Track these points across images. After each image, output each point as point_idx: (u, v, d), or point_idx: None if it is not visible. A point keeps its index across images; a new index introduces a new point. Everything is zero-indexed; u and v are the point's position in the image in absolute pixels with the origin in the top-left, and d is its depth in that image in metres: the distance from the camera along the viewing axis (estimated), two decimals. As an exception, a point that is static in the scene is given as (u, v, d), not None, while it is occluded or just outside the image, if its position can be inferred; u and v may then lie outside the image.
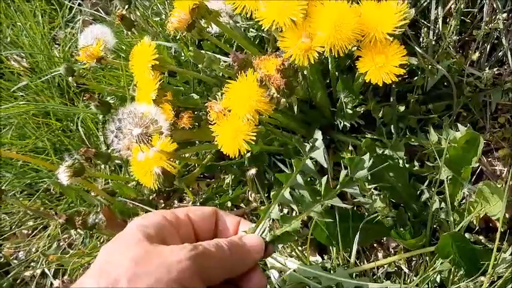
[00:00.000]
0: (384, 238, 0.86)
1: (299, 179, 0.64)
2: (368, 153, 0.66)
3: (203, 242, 0.47)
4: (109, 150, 0.97)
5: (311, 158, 0.66)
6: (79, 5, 1.36)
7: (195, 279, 0.44)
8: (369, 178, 0.76)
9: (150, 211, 0.87)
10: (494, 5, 0.86)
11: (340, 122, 0.87)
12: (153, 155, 0.73)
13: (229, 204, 0.95)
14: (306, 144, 0.67)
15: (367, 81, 0.72)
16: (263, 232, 0.55)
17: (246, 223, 0.55)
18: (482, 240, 0.74)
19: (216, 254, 0.46)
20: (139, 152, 0.71)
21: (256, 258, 0.52)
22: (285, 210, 0.91)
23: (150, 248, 0.44)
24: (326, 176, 0.64)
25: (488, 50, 0.90)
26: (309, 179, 0.83)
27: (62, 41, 1.32)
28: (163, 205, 1.03)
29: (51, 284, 1.02)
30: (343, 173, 0.64)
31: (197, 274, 0.44)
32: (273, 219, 0.58)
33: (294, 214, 0.87)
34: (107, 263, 0.44)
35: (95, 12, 1.29)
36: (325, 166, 0.67)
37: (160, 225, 0.48)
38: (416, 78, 0.88)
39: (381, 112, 0.86)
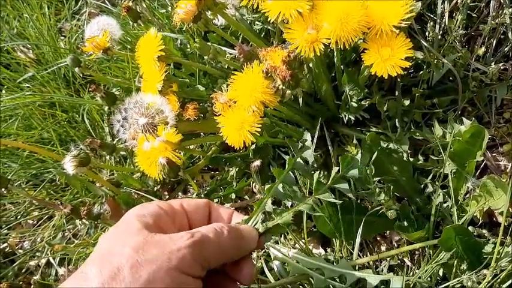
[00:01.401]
0: (387, 231, 0.87)
1: (291, 175, 0.66)
2: (360, 153, 0.68)
3: (201, 228, 0.49)
4: (114, 141, 0.98)
5: (301, 157, 0.69)
6: (85, -4, 1.37)
7: (195, 266, 0.45)
8: (373, 171, 0.76)
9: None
10: (501, 0, 0.86)
11: (345, 115, 0.87)
12: (158, 145, 0.73)
13: (233, 196, 0.96)
14: (296, 144, 0.70)
15: (372, 73, 0.72)
16: (255, 224, 0.57)
17: (239, 215, 0.57)
18: (486, 234, 0.74)
19: (215, 240, 0.48)
20: (145, 141, 0.72)
21: (251, 246, 0.54)
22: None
23: (149, 237, 0.45)
24: (317, 172, 0.66)
25: (494, 45, 0.90)
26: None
27: (68, 33, 1.33)
28: (167, 197, 1.04)
29: (56, 272, 1.03)
30: (334, 169, 0.66)
31: (196, 261, 0.45)
32: (265, 213, 0.59)
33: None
34: (108, 251, 0.44)
35: (101, 4, 1.29)
36: (310, 163, 0.70)
37: (157, 214, 0.49)
38: (421, 72, 0.88)
39: (386, 106, 0.86)
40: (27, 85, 1.26)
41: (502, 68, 0.88)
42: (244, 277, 0.52)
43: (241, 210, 0.96)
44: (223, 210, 0.56)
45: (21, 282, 1.04)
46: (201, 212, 0.54)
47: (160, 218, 0.49)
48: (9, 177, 1.11)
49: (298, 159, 0.68)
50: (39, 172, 1.16)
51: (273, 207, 0.60)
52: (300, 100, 0.75)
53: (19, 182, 1.17)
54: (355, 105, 0.84)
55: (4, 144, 1.15)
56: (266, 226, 0.57)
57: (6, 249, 1.13)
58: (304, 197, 0.63)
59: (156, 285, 0.42)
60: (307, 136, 0.73)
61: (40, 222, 1.14)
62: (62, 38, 1.36)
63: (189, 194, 1.04)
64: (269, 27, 0.96)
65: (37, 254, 1.09)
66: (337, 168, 0.66)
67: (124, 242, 0.44)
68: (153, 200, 0.89)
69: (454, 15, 0.89)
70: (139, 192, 0.91)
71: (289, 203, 0.79)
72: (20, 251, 1.12)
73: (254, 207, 0.59)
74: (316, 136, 0.75)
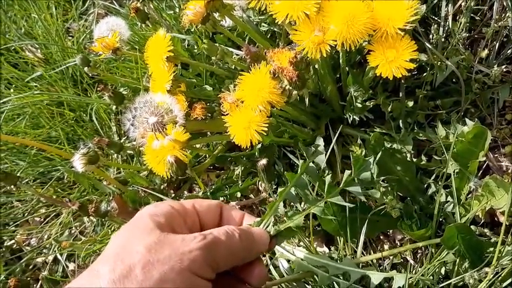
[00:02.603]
0: (391, 230, 0.88)
1: (304, 179, 0.67)
2: (373, 156, 0.69)
3: (213, 230, 0.48)
4: (122, 140, 0.99)
5: (313, 162, 0.70)
6: (93, -3, 1.39)
7: (206, 267, 0.45)
8: (377, 171, 0.78)
9: (163, 199, 0.89)
10: (504, 3, 0.87)
11: (350, 116, 0.88)
12: (167, 143, 0.74)
13: (238, 194, 0.97)
14: (309, 148, 0.71)
15: (377, 74, 0.74)
16: (267, 226, 0.57)
17: (251, 217, 0.56)
18: (487, 233, 0.75)
19: (226, 242, 0.48)
20: (154, 140, 0.73)
21: (262, 249, 0.54)
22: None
23: (162, 237, 0.45)
24: (329, 176, 0.66)
25: (497, 47, 0.91)
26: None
27: (75, 33, 1.35)
28: (173, 195, 1.05)
29: (63, 269, 1.05)
30: (347, 173, 0.67)
31: (207, 263, 0.45)
32: (277, 215, 0.60)
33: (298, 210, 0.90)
34: (121, 250, 0.44)
35: (109, 5, 1.31)
36: (323, 168, 0.71)
37: (170, 214, 0.49)
38: (425, 74, 0.90)
39: (390, 107, 0.87)
40: (35, 84, 1.28)
41: (504, 70, 0.90)
42: (254, 279, 0.52)
43: (246, 209, 0.97)
44: (235, 212, 0.55)
45: (28, 278, 1.06)
46: (212, 213, 0.54)
47: (173, 218, 0.49)
48: (17, 175, 1.13)
49: (311, 164, 0.69)
50: (47, 170, 1.18)
51: (285, 210, 0.61)
52: (306, 100, 0.76)
53: (27, 180, 1.18)
54: (359, 106, 0.85)
55: (12, 142, 1.17)
56: (278, 229, 0.57)
57: (14, 246, 1.15)
58: (316, 199, 0.64)
59: (167, 285, 0.42)
60: (320, 141, 0.74)
61: (47, 219, 1.15)
62: (70, 38, 1.38)
63: (195, 192, 1.05)
64: (275, 29, 0.98)
65: (44, 250, 1.11)
66: (349, 171, 0.67)
67: (137, 240, 0.45)
68: (159, 198, 0.91)
69: (457, 18, 0.90)
70: (146, 190, 0.92)
71: (300, 206, 0.80)
72: (27, 247, 1.13)
73: (266, 209, 0.59)
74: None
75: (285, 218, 0.60)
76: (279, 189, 0.65)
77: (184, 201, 0.53)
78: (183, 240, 0.45)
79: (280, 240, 0.58)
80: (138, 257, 0.43)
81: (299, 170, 0.67)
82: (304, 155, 0.79)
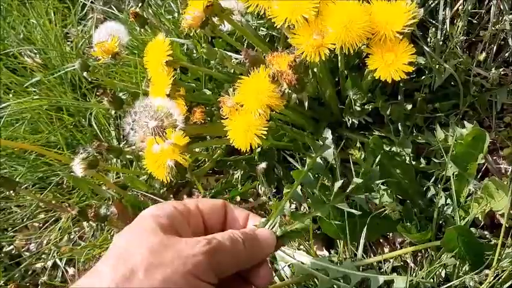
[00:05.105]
0: (391, 233, 0.88)
1: (310, 177, 0.66)
2: (378, 167, 0.69)
3: (217, 235, 0.48)
4: (121, 145, 0.99)
5: (321, 157, 0.69)
6: (91, 2, 1.39)
7: (209, 272, 0.45)
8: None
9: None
10: (501, 7, 0.88)
11: (349, 119, 0.88)
12: (167, 147, 0.75)
13: (238, 198, 0.97)
14: (317, 142, 0.70)
15: (376, 77, 0.74)
16: (273, 227, 0.56)
17: (256, 217, 0.56)
18: (487, 236, 0.76)
19: (230, 248, 0.47)
20: (154, 144, 0.73)
21: (268, 252, 0.53)
22: (293, 206, 0.93)
23: (165, 239, 0.45)
24: (341, 181, 0.66)
25: (494, 50, 0.91)
26: (316, 174, 0.85)
27: (74, 38, 1.35)
28: (172, 199, 1.05)
29: (63, 273, 1.05)
30: (354, 181, 0.66)
31: (211, 267, 0.45)
32: (282, 215, 0.59)
33: (301, 210, 0.89)
34: (123, 251, 0.44)
35: (108, 10, 1.31)
36: (335, 165, 0.70)
37: (173, 215, 0.49)
38: (423, 77, 0.90)
39: (389, 110, 0.87)
40: (34, 89, 1.28)
41: (502, 73, 0.90)
42: (260, 280, 0.51)
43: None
44: (239, 212, 0.55)
45: (28, 284, 1.06)
46: (216, 214, 0.53)
47: (175, 219, 0.48)
48: (16, 180, 1.13)
49: (318, 159, 0.68)
50: (46, 175, 1.18)
51: (292, 210, 0.60)
52: (306, 104, 0.76)
53: (26, 185, 1.18)
54: (358, 109, 0.86)
55: (12, 147, 1.17)
56: (284, 230, 0.56)
57: (13, 252, 1.14)
58: (322, 202, 0.64)
59: (170, 287, 0.42)
60: (328, 134, 0.73)
61: (46, 224, 1.15)
62: (68, 43, 1.38)
63: (194, 196, 1.05)
64: (274, 33, 0.98)
65: (43, 256, 1.11)
66: (358, 180, 0.67)
67: (139, 242, 0.44)
68: (159, 202, 0.91)
69: (455, 21, 0.90)
70: (146, 195, 0.92)
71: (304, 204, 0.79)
72: (27, 253, 1.13)
73: (271, 209, 0.59)
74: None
75: (292, 220, 0.59)
76: (285, 190, 0.64)
77: (187, 201, 0.52)
78: (187, 244, 0.45)
79: (286, 241, 0.58)
80: (141, 258, 0.43)
81: (306, 166, 0.66)
82: (309, 153, 0.77)
